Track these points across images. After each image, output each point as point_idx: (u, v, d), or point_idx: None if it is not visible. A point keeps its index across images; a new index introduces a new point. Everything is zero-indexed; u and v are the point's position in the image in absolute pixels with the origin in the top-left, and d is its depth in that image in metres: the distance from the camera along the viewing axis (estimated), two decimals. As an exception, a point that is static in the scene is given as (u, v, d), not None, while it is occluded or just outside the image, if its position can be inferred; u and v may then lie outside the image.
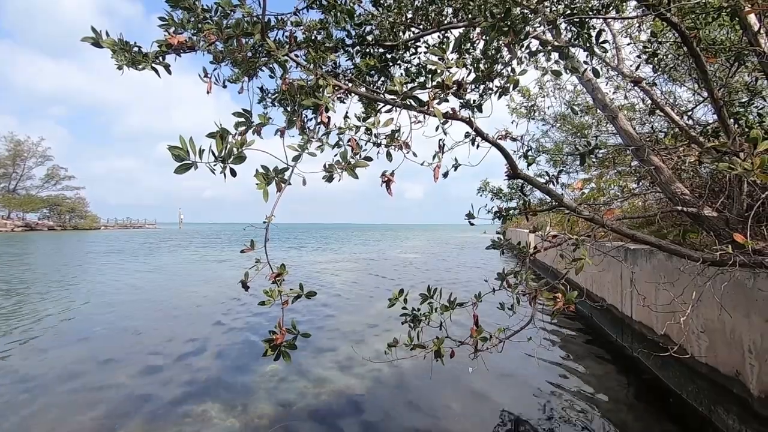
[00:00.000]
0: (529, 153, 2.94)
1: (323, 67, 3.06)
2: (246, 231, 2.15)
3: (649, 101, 4.65)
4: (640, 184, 6.41)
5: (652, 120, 6.19)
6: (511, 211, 3.08)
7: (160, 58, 2.43)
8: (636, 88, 4.92)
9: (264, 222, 1.99)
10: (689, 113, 5.00)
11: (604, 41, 2.81)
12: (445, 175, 2.74)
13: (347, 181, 2.21)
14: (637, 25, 5.46)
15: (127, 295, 9.90)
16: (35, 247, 27.19)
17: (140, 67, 2.40)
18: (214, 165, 1.86)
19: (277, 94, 3.37)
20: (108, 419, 3.56)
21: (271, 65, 2.48)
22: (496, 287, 2.85)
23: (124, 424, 3.47)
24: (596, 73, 3.26)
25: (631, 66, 4.88)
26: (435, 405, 3.98)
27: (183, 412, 3.68)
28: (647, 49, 3.62)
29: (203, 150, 1.81)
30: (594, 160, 2.84)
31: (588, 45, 2.88)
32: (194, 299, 9.37)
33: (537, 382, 4.45)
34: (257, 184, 1.97)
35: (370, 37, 3.54)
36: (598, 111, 6.32)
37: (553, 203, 2.95)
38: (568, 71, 2.78)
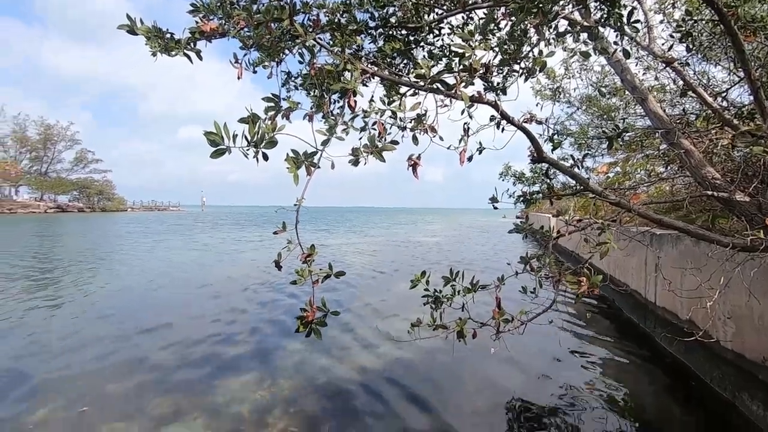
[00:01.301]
0: (555, 136, 2.91)
1: (348, 50, 3.07)
2: (277, 213, 2.22)
3: (681, 82, 4.50)
4: (668, 168, 6.24)
5: (683, 102, 5.99)
6: (534, 195, 3.08)
7: (192, 44, 2.49)
8: (667, 68, 4.75)
9: (294, 204, 2.06)
10: (723, 94, 4.82)
11: (636, 20, 2.74)
12: (470, 159, 2.75)
13: (370, 165, 2.25)
14: (671, 2, 5.24)
15: (178, 272, 10.55)
16: (75, 227, 28.35)
17: (173, 53, 2.47)
18: (247, 150, 1.92)
19: (300, 78, 3.41)
20: (144, 387, 3.78)
21: (300, 50, 2.52)
22: (519, 270, 2.88)
23: (160, 392, 3.69)
24: (626, 54, 3.18)
25: (663, 45, 4.71)
26: (455, 384, 4.08)
27: (216, 384, 3.89)
28: (681, 28, 3.49)
29: (236, 135, 1.88)
30: (621, 143, 2.79)
31: (618, 24, 2.81)
32: (228, 277, 9.79)
33: (557, 365, 4.49)
34: (288, 168, 2.03)
35: (393, 19, 3.52)
36: (627, 93, 6.14)
37: (578, 187, 2.93)
38: (597, 52, 2.73)
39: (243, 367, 4.32)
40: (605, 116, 8.07)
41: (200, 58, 2.51)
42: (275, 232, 2.05)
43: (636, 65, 5.97)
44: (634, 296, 5.95)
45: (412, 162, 2.30)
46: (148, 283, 9.16)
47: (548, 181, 3.07)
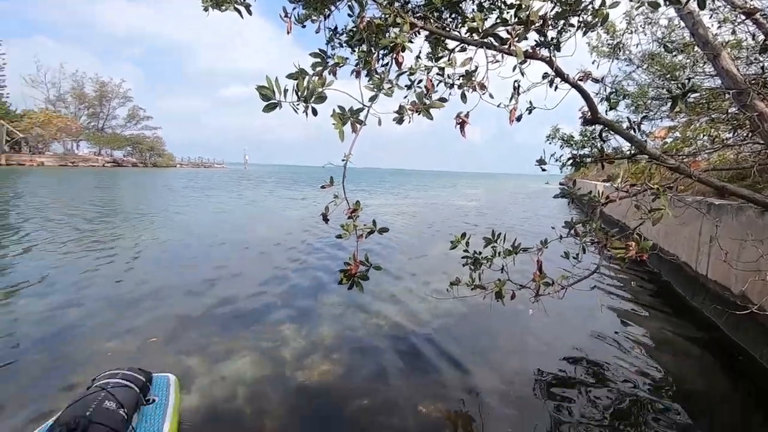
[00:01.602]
0: (612, 95, 2.74)
1: (396, 2, 2.98)
2: (323, 169, 2.28)
3: (762, 36, 4.05)
4: (736, 134, 5.74)
5: (762, 59, 5.39)
6: (585, 158, 2.96)
7: (241, -2, 2.50)
8: (747, 20, 4.27)
9: (342, 160, 2.11)
10: (812, 50, 4.30)
11: (717, -35, 2.46)
12: (519, 118, 2.66)
13: (413, 126, 2.24)
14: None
15: (232, 225, 11.43)
16: (134, 181, 30.24)
17: (223, 8, 2.50)
18: (297, 105, 1.96)
19: (346, 35, 3.36)
20: (204, 327, 4.15)
21: (349, 3, 2.47)
22: (563, 234, 2.83)
23: (216, 332, 4.04)
24: (701, 4, 2.89)
25: (745, -7, 4.20)
26: (491, 342, 4.18)
27: (261, 329, 4.20)
28: (769, -27, 3.11)
29: (287, 90, 1.92)
30: (685, 104, 2.57)
31: (696, -30, 2.54)
32: (278, 229, 10.39)
33: (596, 331, 4.45)
34: (334, 124, 2.05)
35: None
36: (696, 49, 5.62)
37: (634, 151, 2.79)
38: (667, 3, 2.51)
39: (289, 315, 4.62)
40: (668, 76, 7.42)
41: (249, 12, 2.53)
42: (323, 186, 2.12)
43: (710, 17, 5.40)
44: (683, 268, 5.71)
45: (460, 120, 2.27)
46: (206, 234, 9.88)
47: (601, 143, 2.93)
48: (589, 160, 2.96)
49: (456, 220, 14.34)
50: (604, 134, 2.88)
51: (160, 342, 3.83)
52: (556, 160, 4.13)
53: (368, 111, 2.13)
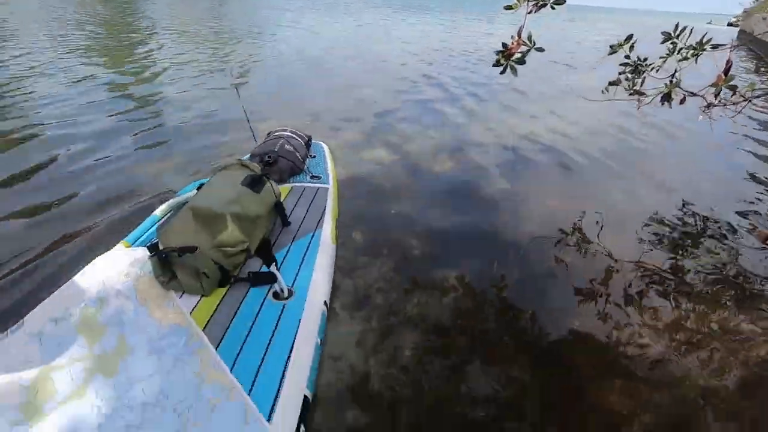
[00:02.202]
0: None
1: None
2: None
3: None
4: None
5: None
6: None
7: None
8: None
9: None
10: None
11: None
12: None
13: None
14: None
15: (366, 41, 12.29)
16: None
17: None
18: None
19: None
20: (345, 121, 4.67)
21: None
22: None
23: (355, 128, 4.48)
24: None
25: None
26: (635, 156, 4.18)
27: (395, 128, 4.58)
28: None
29: None
30: None
31: None
32: (405, 48, 10.80)
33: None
34: None
35: None
36: None
37: None
38: None
39: (418, 119, 4.93)
40: None
41: None
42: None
43: None
44: None
45: None
46: (340, 49, 10.41)
47: None
48: None
49: (589, 55, 12.44)
50: None
51: (314, 124, 4.49)
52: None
53: None
